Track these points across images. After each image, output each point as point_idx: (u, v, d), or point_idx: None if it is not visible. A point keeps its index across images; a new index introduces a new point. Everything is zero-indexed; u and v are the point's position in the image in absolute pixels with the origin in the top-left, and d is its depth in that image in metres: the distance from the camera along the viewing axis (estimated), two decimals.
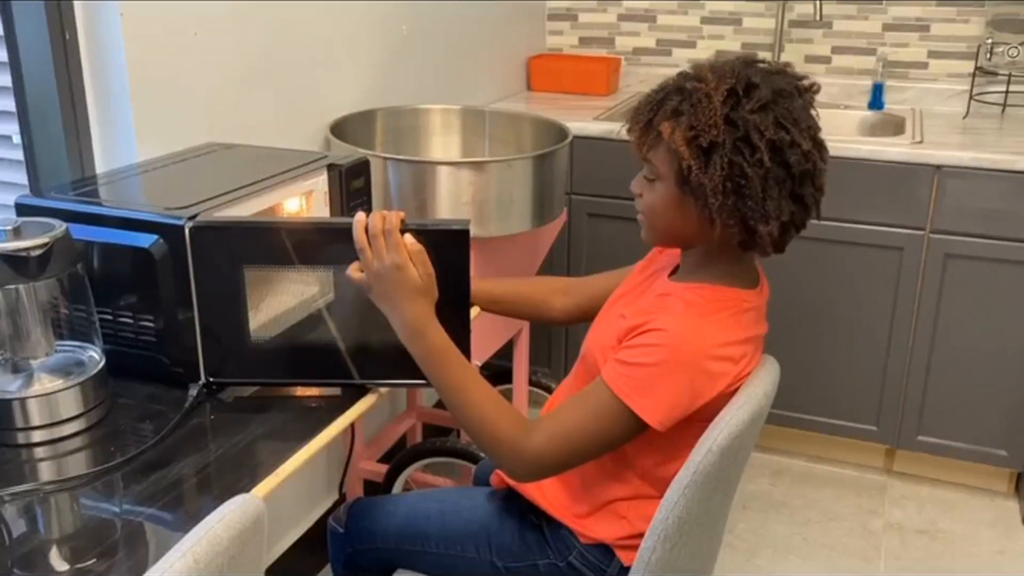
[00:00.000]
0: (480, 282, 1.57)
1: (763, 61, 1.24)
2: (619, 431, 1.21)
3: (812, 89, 1.24)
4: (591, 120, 2.65)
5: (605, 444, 1.24)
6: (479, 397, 1.23)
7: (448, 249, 1.23)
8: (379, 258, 1.19)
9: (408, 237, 1.21)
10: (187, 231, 1.21)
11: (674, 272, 1.35)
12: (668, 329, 1.19)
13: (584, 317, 1.56)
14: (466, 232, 1.23)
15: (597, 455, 1.26)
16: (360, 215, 1.21)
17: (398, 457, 2.12)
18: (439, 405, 2.59)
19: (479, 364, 2.03)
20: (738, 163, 1.16)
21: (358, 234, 1.20)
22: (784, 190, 1.18)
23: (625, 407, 1.19)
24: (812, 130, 1.21)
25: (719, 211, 1.18)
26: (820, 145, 1.22)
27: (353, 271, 1.22)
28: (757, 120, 1.16)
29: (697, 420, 1.22)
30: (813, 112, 1.23)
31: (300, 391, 1.32)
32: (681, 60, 3.11)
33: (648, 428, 1.20)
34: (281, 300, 1.29)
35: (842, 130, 2.86)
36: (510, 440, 1.22)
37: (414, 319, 1.21)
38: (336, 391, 1.30)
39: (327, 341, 1.28)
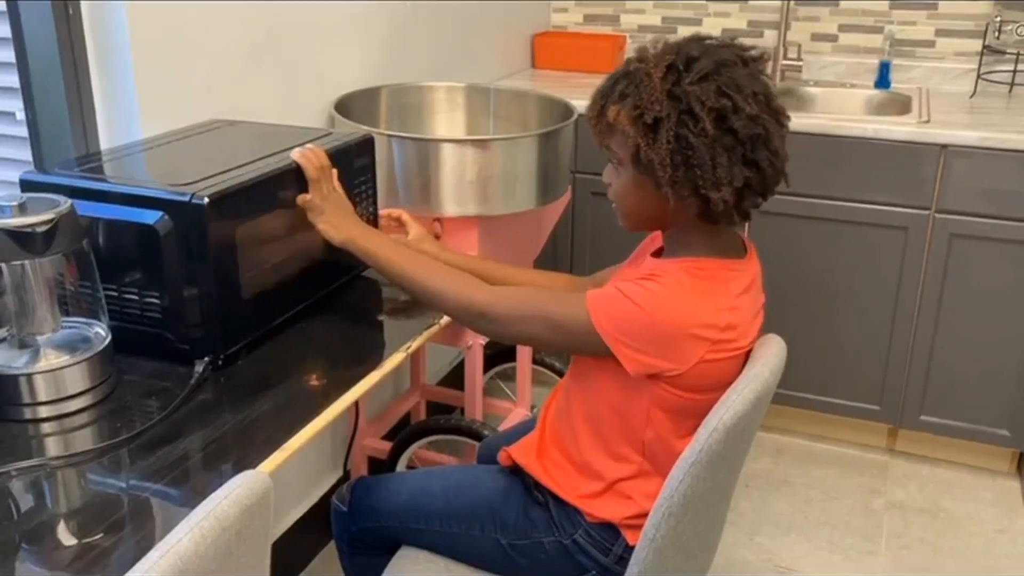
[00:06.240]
0: (488, 264, 1.57)
1: (711, 37, 1.26)
2: (581, 342, 1.27)
3: (761, 59, 1.26)
4: None
5: (561, 341, 1.31)
6: (433, 264, 1.41)
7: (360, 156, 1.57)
8: (328, 184, 1.43)
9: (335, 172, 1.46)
10: (204, 207, 1.21)
11: (657, 254, 1.37)
12: (666, 287, 1.22)
13: None
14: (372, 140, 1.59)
15: (546, 345, 1.40)
16: (298, 151, 1.41)
17: (402, 435, 2.13)
18: (443, 383, 2.60)
19: (483, 343, 2.03)
20: (683, 135, 1.19)
21: (311, 167, 1.41)
22: (735, 156, 1.20)
23: (592, 326, 1.24)
24: (760, 96, 1.22)
25: (670, 183, 1.21)
26: (774, 111, 1.24)
27: (306, 199, 1.42)
28: (698, 91, 1.18)
29: (690, 389, 1.25)
30: (765, 79, 1.25)
31: (305, 370, 1.32)
32: None
33: (611, 354, 1.24)
34: (262, 249, 1.36)
35: (848, 109, 2.85)
36: (473, 282, 1.36)
37: (360, 224, 1.45)
38: (334, 376, 1.31)
39: (300, 268, 1.45)
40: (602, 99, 1.27)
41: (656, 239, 1.42)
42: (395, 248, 1.43)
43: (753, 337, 1.30)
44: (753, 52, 1.26)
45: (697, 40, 1.25)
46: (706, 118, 1.18)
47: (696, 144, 1.18)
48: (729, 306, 1.25)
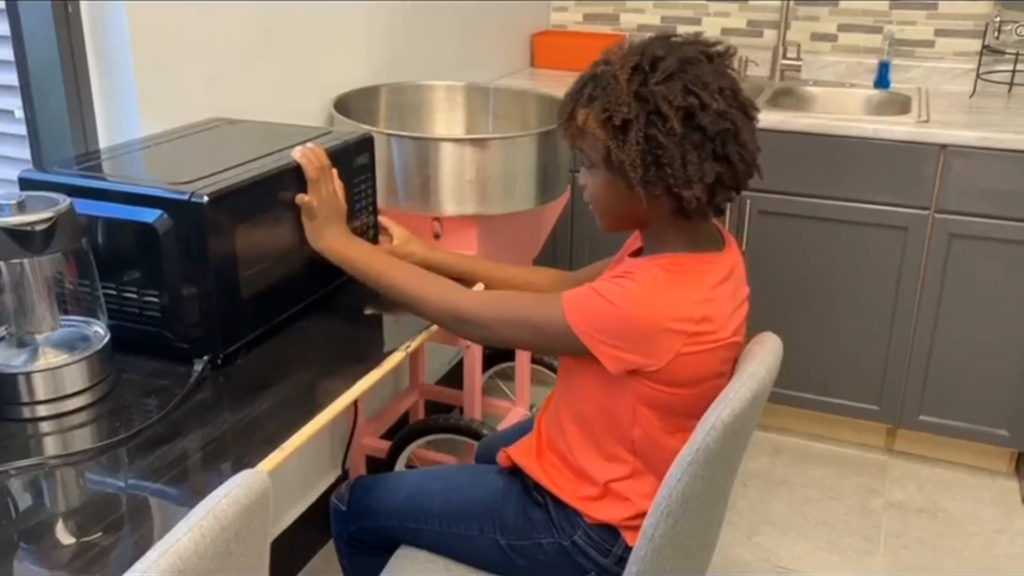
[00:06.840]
0: (475, 261, 1.57)
1: (676, 36, 1.27)
2: (560, 343, 1.27)
3: (727, 53, 1.27)
4: None
5: (542, 343, 1.32)
6: (415, 271, 1.41)
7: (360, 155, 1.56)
8: (327, 186, 1.41)
9: (334, 172, 1.44)
10: (204, 205, 1.21)
11: (637, 254, 1.38)
12: (640, 284, 1.23)
13: None
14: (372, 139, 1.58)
15: (528, 347, 1.44)
16: (299, 150, 1.40)
17: (401, 434, 2.13)
18: (442, 382, 2.60)
19: None
20: (652, 135, 1.19)
21: (311, 167, 1.39)
22: (704, 153, 1.21)
23: (568, 326, 1.25)
24: (727, 90, 1.23)
25: (642, 183, 1.22)
26: (741, 104, 1.24)
27: (304, 199, 1.40)
28: (664, 90, 1.19)
29: (671, 384, 1.25)
30: (732, 74, 1.25)
31: (304, 369, 1.32)
32: None
33: (589, 353, 1.24)
34: (261, 248, 1.36)
35: (847, 109, 2.85)
36: (455, 288, 1.37)
37: (345, 233, 1.44)
38: (333, 374, 1.31)
39: (300, 266, 1.44)
40: (571, 103, 1.28)
41: (637, 239, 1.43)
42: (377, 257, 1.42)
43: (734, 329, 1.30)
44: (719, 47, 1.26)
45: (662, 39, 1.25)
46: (674, 117, 1.18)
47: (665, 143, 1.19)
48: (704, 298, 1.25)
